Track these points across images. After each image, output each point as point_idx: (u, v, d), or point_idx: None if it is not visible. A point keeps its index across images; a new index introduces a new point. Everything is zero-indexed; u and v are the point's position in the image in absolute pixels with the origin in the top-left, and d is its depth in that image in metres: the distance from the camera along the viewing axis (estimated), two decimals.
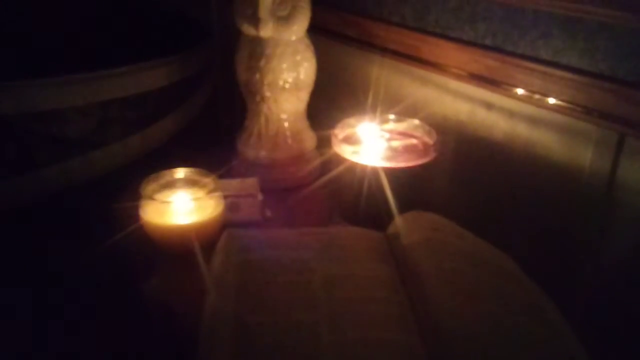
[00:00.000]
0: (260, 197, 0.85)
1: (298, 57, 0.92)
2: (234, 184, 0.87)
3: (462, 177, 0.90)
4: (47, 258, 0.76)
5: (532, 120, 0.78)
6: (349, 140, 0.82)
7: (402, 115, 0.86)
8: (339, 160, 0.80)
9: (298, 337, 0.54)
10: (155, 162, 0.82)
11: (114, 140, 0.94)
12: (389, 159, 0.77)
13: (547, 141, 0.77)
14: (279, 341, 0.53)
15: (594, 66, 0.71)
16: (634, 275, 0.72)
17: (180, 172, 0.81)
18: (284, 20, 0.88)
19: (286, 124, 0.96)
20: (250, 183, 0.87)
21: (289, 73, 0.91)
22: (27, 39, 1.22)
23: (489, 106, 0.84)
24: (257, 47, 0.90)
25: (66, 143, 0.89)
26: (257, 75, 0.91)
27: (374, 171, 0.76)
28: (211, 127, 1.18)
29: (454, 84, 0.88)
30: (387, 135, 0.84)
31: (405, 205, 0.74)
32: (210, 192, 0.78)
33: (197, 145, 1.01)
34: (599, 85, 0.70)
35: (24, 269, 0.74)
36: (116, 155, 0.94)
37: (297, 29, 0.89)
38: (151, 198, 0.76)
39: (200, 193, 0.79)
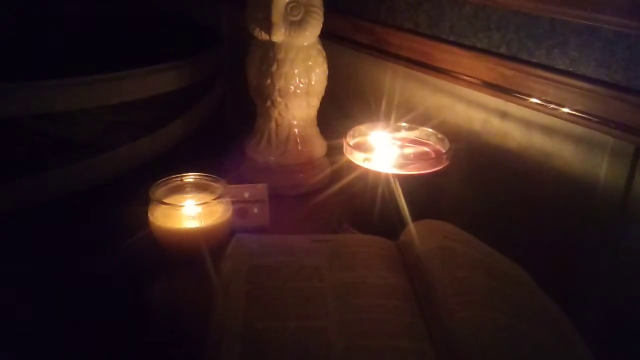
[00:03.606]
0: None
1: (310, 63, 0.91)
2: (242, 189, 0.86)
3: (475, 185, 0.89)
4: (54, 260, 0.75)
5: (547, 130, 0.78)
6: (361, 147, 0.81)
7: (415, 123, 0.85)
8: (351, 167, 0.79)
9: (307, 344, 0.53)
10: (164, 166, 0.82)
11: (122, 144, 0.93)
12: (401, 166, 0.77)
13: (562, 151, 0.77)
14: (288, 347, 0.53)
15: (610, 76, 0.70)
16: None
17: (190, 177, 0.81)
18: (297, 25, 0.87)
19: (296, 130, 0.96)
20: (259, 189, 0.87)
21: (300, 78, 0.91)
22: (37, 41, 1.22)
23: (503, 115, 0.83)
24: (269, 52, 0.90)
25: (74, 146, 0.89)
26: (268, 80, 0.91)
27: (386, 178, 0.76)
28: (220, 132, 1.18)
29: (467, 92, 0.87)
30: (399, 142, 0.83)
31: (418, 213, 0.73)
32: (219, 197, 0.78)
33: (206, 150, 1.01)
34: (615, 95, 0.69)
35: (30, 271, 0.73)
36: (125, 158, 0.94)
37: (310, 35, 0.89)
38: (160, 202, 0.75)
39: (209, 198, 0.78)
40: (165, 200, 0.76)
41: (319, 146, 0.99)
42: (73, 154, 0.88)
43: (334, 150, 0.95)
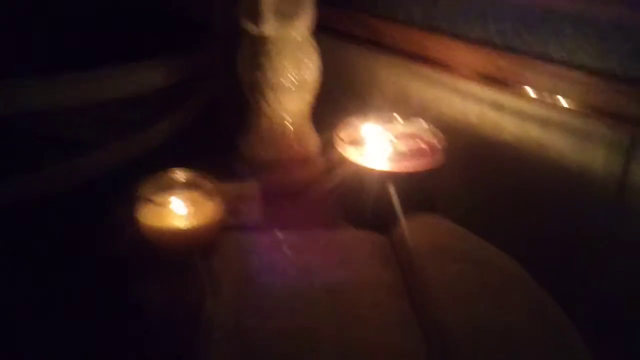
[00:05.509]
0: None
1: (302, 57, 0.90)
2: (234, 186, 0.86)
3: (470, 179, 0.89)
4: (46, 258, 0.75)
5: (543, 122, 0.77)
6: (355, 142, 0.80)
7: (410, 117, 0.84)
8: (344, 162, 0.78)
9: (299, 342, 0.53)
10: (156, 164, 0.81)
11: (112, 141, 0.93)
12: (395, 161, 0.76)
13: (558, 143, 0.76)
14: (279, 346, 0.53)
15: (607, 67, 0.70)
16: None
17: (180, 174, 0.79)
18: (288, 17, 0.86)
19: (289, 126, 0.95)
20: (251, 186, 0.86)
21: (292, 73, 0.90)
22: (27, 38, 1.21)
23: (498, 107, 0.82)
24: (260, 46, 0.89)
25: (63, 144, 0.88)
26: (260, 75, 0.89)
27: (380, 174, 0.75)
28: (213, 129, 1.17)
29: (463, 84, 0.86)
30: (394, 137, 0.82)
31: (411, 208, 0.73)
32: (210, 194, 0.77)
33: (198, 147, 1.00)
34: (612, 86, 0.69)
35: (23, 270, 0.73)
36: (115, 156, 0.93)
37: (301, 27, 0.88)
38: (149, 200, 0.74)
39: (200, 195, 0.77)
40: (154, 198, 0.75)
41: (312, 142, 0.98)
42: (62, 152, 0.87)
43: (328, 146, 0.94)
